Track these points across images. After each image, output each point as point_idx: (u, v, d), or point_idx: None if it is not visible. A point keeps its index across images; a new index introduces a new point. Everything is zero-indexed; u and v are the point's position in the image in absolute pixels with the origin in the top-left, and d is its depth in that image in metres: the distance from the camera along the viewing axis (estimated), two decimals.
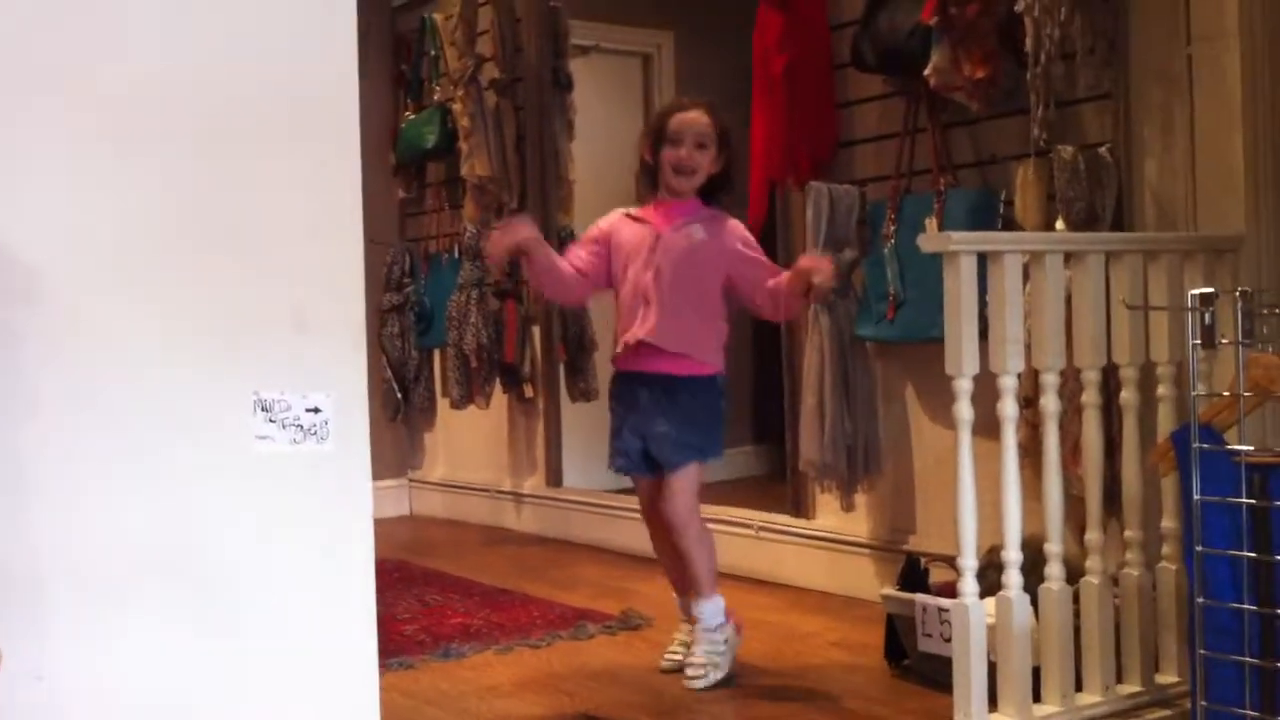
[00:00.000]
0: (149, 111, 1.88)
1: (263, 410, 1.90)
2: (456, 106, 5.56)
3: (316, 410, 1.93)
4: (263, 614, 1.96)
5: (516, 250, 3.34)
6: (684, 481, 3.34)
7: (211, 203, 1.92)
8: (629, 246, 3.41)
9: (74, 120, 1.84)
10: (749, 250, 3.41)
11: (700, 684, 3.27)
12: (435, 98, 5.83)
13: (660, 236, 3.37)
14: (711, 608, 3.36)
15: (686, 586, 3.41)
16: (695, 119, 3.38)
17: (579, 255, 3.45)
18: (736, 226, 3.44)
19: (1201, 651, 2.64)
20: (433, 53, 5.89)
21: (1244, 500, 2.59)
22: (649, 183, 3.45)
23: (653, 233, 3.38)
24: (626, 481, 5.43)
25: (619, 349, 3.42)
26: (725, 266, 3.38)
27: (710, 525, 4.68)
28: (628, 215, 3.46)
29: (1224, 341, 2.66)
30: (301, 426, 1.92)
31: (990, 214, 3.70)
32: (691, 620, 3.39)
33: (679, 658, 3.39)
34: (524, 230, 3.34)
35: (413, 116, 5.93)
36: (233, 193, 1.93)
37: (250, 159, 1.94)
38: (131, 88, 1.87)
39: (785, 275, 3.33)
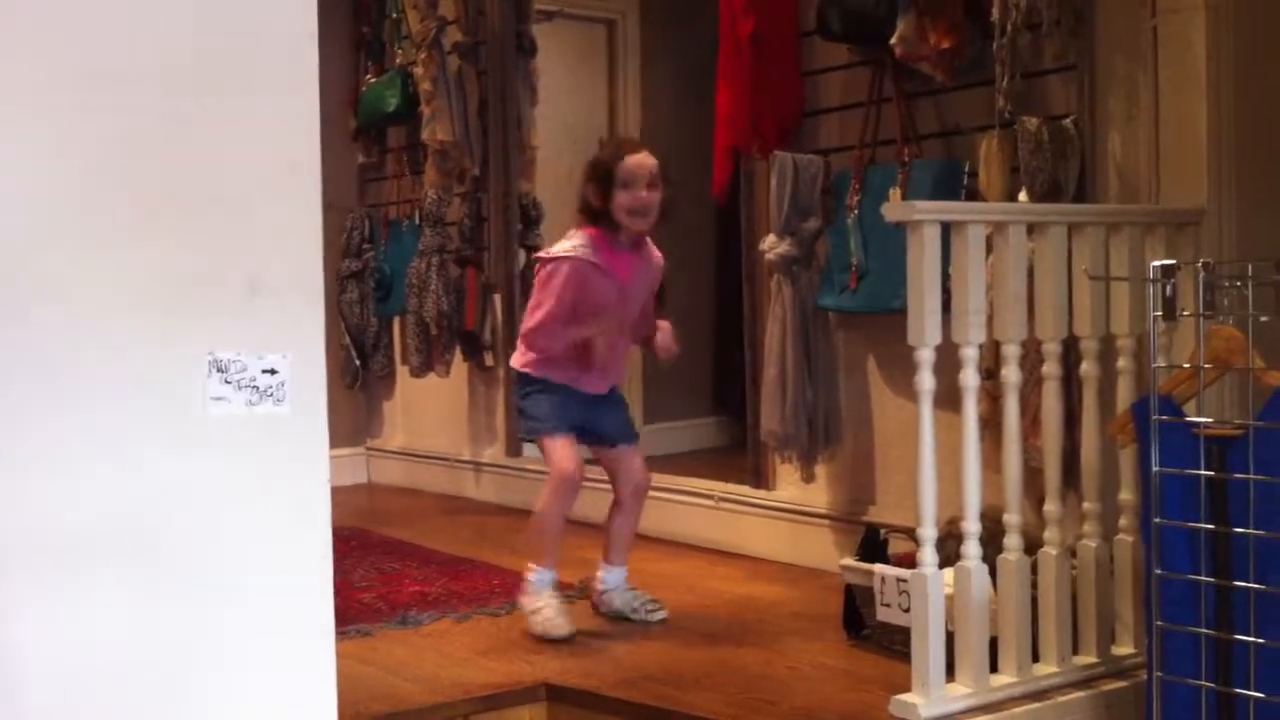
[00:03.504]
0: (98, 68, 1.83)
1: (218, 371, 1.86)
2: (418, 70, 5.49)
3: (273, 372, 1.89)
4: (219, 578, 1.93)
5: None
6: (641, 456, 3.71)
7: (164, 160, 1.88)
8: (595, 293, 3.51)
9: (21, 79, 1.80)
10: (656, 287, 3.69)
11: (665, 613, 3.59)
12: (397, 61, 5.76)
13: (624, 291, 3.54)
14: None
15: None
16: (645, 161, 3.49)
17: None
18: (658, 261, 3.66)
19: (1158, 623, 2.66)
20: (394, 15, 5.81)
21: (1202, 473, 2.61)
22: (593, 222, 3.52)
23: (617, 286, 3.53)
24: (586, 452, 5.43)
25: (560, 378, 3.54)
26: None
27: (669, 496, 4.72)
28: (592, 264, 3.50)
29: (1185, 314, 2.67)
30: (258, 388, 1.89)
31: (954, 185, 3.69)
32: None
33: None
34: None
35: (374, 80, 5.86)
36: (186, 150, 1.89)
37: (204, 116, 1.90)
38: (83, 45, 1.83)
39: (658, 335, 3.67)
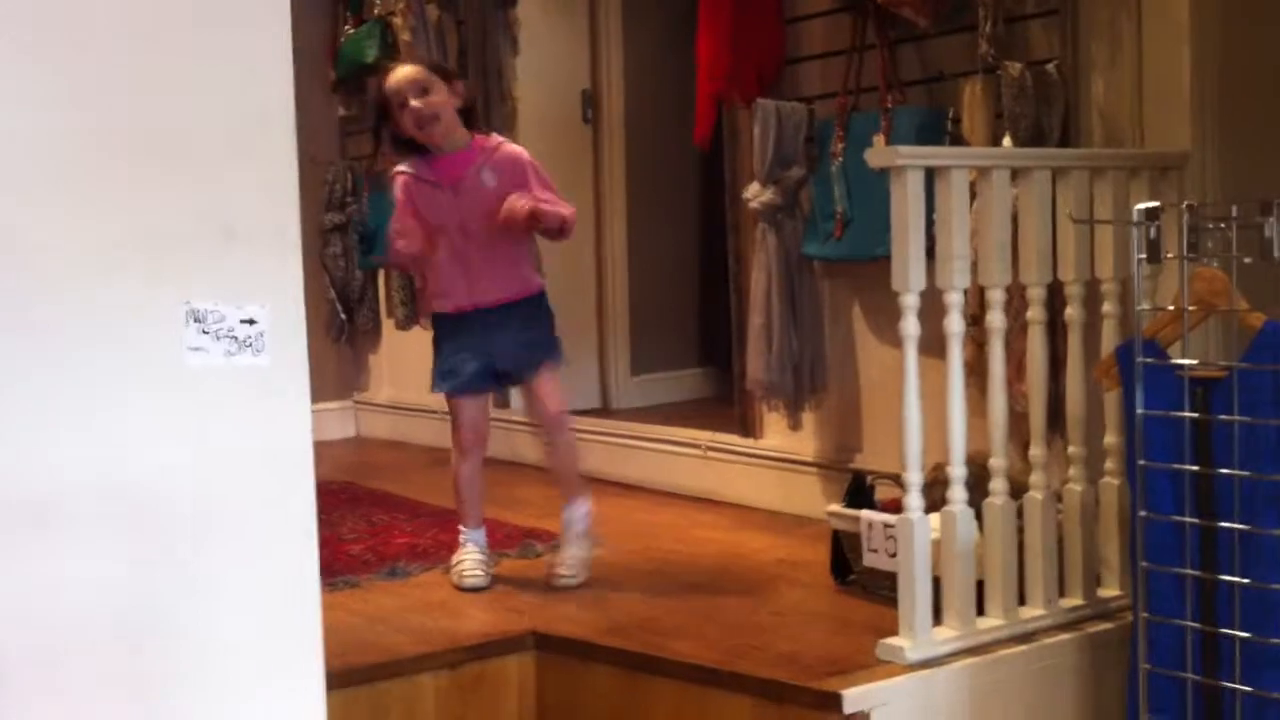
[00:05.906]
0: (65, 12, 1.81)
1: (195, 321, 1.85)
2: (397, 20, 5.44)
3: (252, 322, 1.88)
4: (199, 531, 1.92)
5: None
6: (551, 383, 3.52)
7: (134, 110, 1.85)
8: (432, 206, 3.43)
9: None
10: (536, 185, 3.42)
11: (574, 582, 3.43)
12: (375, 11, 5.71)
13: (458, 190, 3.41)
14: (585, 509, 3.56)
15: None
16: (401, 75, 3.40)
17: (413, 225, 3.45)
18: (520, 158, 3.45)
19: (1143, 564, 2.68)
20: None
21: (1186, 414, 2.61)
22: (413, 149, 3.45)
23: (449, 190, 3.42)
24: (576, 403, 5.42)
25: (443, 305, 3.50)
26: None
27: (657, 446, 4.72)
28: (417, 178, 3.45)
29: (1169, 256, 2.67)
30: (236, 338, 1.88)
31: (938, 132, 3.67)
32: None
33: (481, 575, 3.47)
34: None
35: (353, 31, 5.81)
36: (156, 98, 1.86)
37: (174, 64, 1.87)
38: None
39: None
